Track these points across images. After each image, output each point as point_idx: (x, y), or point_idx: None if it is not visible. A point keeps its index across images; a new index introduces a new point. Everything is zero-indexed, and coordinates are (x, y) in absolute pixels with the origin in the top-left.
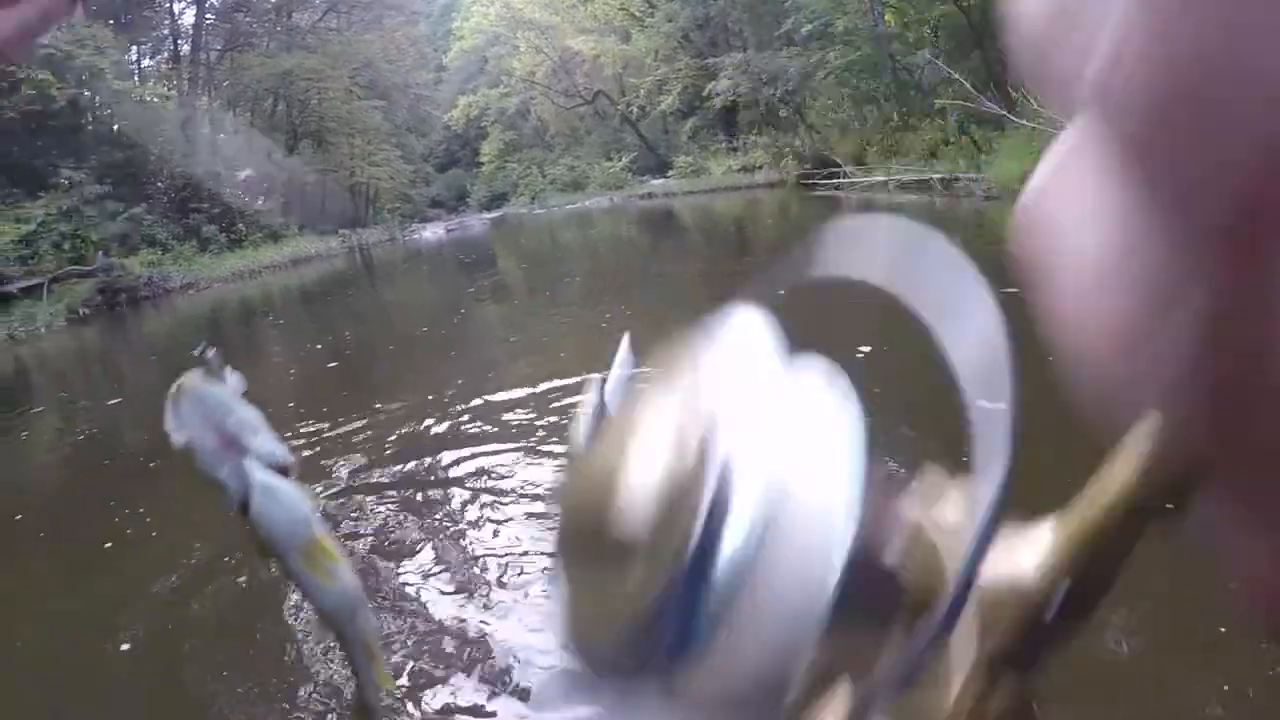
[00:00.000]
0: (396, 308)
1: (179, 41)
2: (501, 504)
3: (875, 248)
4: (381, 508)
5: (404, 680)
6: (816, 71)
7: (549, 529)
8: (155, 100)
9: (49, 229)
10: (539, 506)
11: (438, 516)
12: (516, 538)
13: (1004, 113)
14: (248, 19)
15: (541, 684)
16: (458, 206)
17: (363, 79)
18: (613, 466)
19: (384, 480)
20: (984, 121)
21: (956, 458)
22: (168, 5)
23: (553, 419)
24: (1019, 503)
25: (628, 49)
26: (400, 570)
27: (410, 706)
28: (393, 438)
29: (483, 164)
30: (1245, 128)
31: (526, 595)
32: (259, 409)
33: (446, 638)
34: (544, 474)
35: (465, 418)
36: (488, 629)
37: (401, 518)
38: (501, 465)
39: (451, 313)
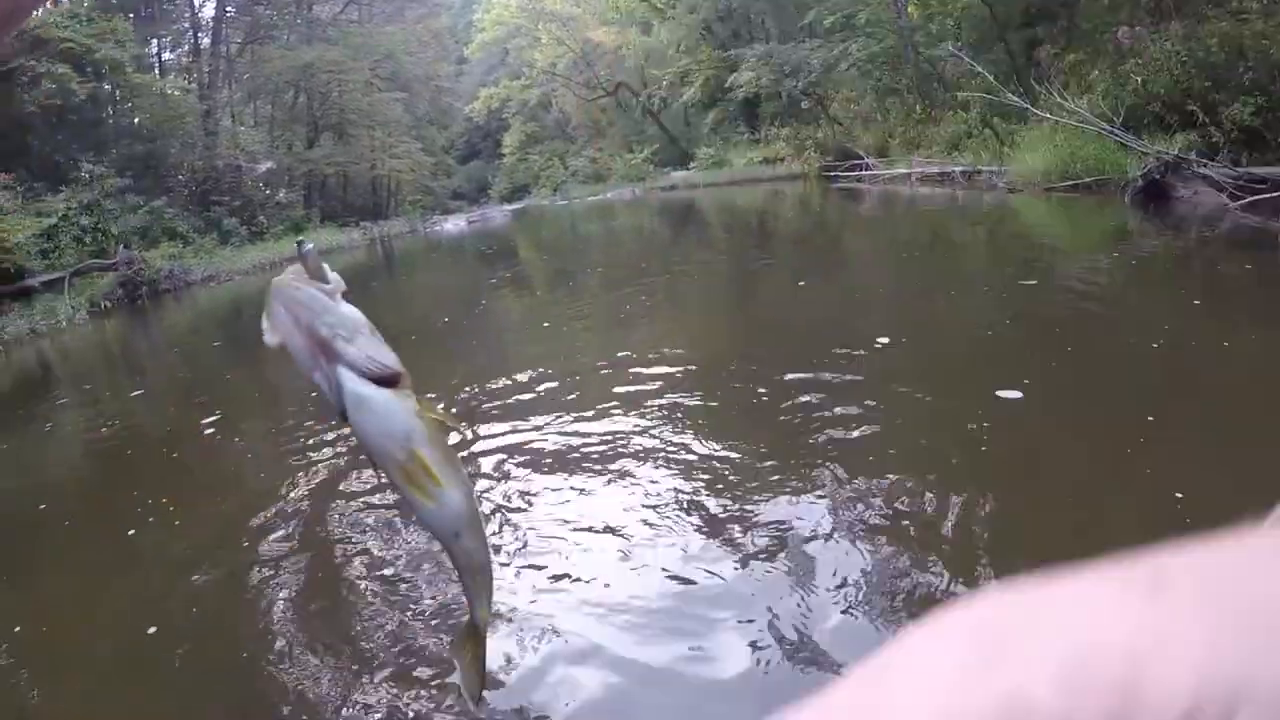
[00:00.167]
0: (417, 298)
1: (199, 34)
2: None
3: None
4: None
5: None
6: (839, 63)
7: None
8: (176, 93)
9: (70, 223)
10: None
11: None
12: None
13: (1026, 105)
14: (268, 11)
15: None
16: (479, 198)
17: (384, 71)
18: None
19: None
20: (1006, 114)
21: (968, 449)
22: None
23: (568, 414)
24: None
25: (649, 40)
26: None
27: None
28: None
29: (504, 156)
30: None
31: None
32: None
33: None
34: (564, 465)
35: (478, 403)
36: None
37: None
38: (522, 443)
39: (472, 304)
